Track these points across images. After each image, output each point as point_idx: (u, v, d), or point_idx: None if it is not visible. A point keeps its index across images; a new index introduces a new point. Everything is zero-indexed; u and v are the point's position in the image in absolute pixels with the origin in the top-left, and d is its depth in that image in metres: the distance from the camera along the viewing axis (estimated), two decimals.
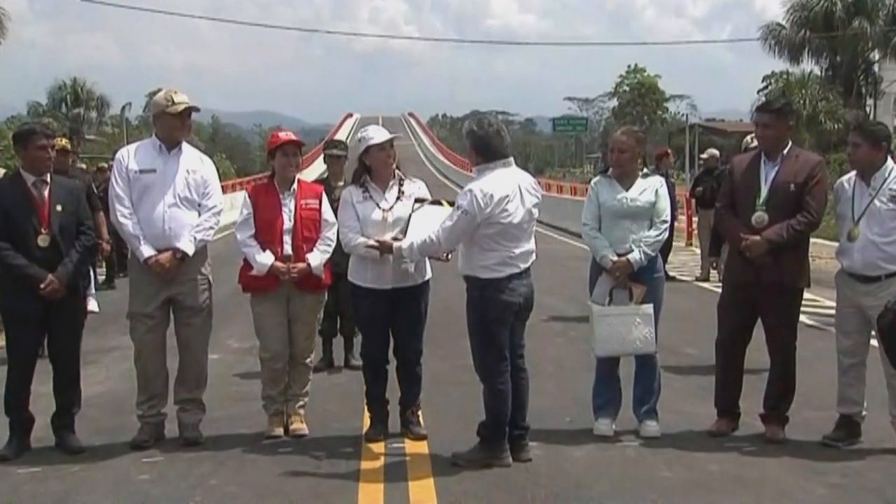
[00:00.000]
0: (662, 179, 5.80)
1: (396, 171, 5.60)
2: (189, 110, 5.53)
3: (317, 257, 5.62)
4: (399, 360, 5.67)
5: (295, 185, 5.66)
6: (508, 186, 5.00)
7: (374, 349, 5.62)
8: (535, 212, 5.16)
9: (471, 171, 5.36)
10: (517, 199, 5.01)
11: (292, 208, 5.60)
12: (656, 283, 5.66)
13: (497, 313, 5.02)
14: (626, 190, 5.59)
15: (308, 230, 5.64)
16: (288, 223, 5.58)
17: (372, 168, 5.53)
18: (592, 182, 5.86)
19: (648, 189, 5.60)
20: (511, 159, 5.11)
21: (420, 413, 5.74)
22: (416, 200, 5.41)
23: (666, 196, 5.69)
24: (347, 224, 5.54)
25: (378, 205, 5.48)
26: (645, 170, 5.75)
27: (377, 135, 5.51)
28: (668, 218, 5.70)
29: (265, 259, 5.50)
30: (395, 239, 5.29)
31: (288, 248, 5.56)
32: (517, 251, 5.04)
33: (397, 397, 5.70)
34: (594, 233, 5.65)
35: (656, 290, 5.64)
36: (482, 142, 5.06)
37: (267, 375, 5.70)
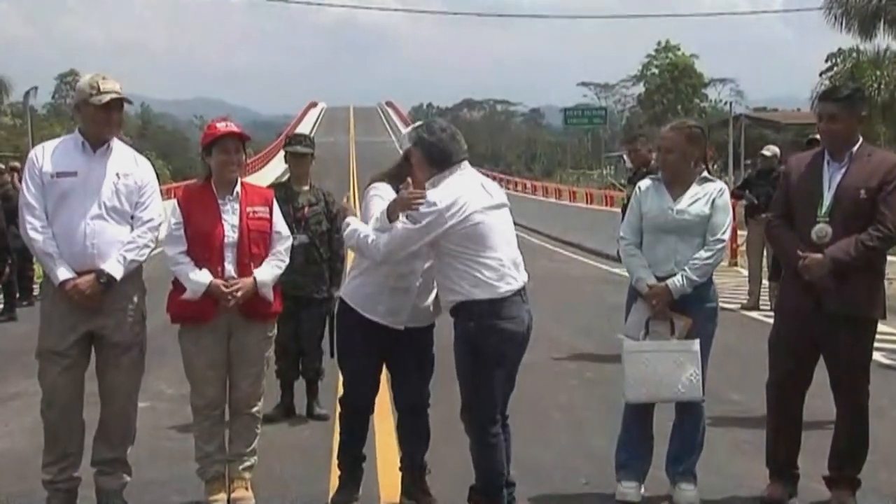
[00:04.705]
0: (724, 187, 5.72)
1: None
2: (118, 101, 5.51)
3: (266, 272, 5.58)
4: (405, 409, 5.63)
5: (238, 189, 5.65)
6: (469, 187, 5.04)
7: (361, 395, 5.59)
8: (507, 211, 5.19)
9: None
10: (482, 199, 5.04)
11: (236, 218, 5.58)
12: (707, 315, 5.61)
13: (495, 345, 5.00)
14: (676, 199, 5.59)
15: (256, 245, 5.61)
16: (231, 236, 5.55)
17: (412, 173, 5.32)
18: (639, 186, 5.83)
19: (703, 198, 5.57)
20: (465, 162, 5.16)
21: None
22: None
23: (726, 208, 5.61)
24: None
25: None
26: (704, 173, 5.70)
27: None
28: (725, 237, 5.62)
29: (201, 277, 5.45)
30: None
31: (230, 267, 5.52)
32: (504, 258, 5.04)
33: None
34: (632, 249, 5.66)
35: (706, 324, 5.60)
36: (436, 149, 5.10)
37: (200, 427, 5.67)
